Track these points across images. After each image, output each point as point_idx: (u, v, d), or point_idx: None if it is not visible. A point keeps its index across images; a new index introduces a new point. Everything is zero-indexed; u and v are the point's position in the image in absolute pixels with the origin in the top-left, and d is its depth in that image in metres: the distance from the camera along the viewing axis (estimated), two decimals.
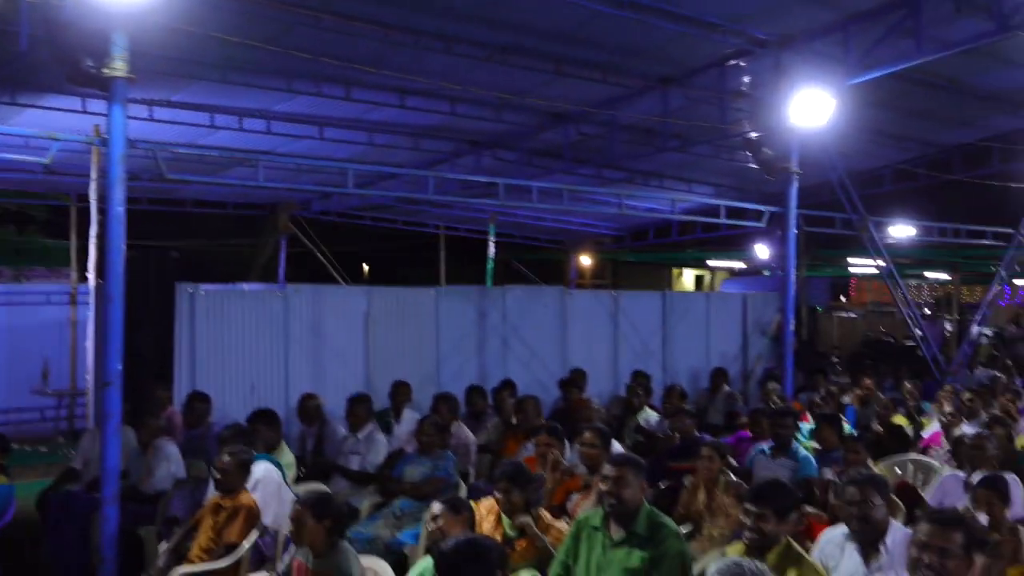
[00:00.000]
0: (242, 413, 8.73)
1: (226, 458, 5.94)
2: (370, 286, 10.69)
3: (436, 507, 4.76)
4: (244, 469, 6.03)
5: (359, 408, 8.22)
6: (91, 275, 8.57)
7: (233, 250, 19.53)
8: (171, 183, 11.61)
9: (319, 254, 14.71)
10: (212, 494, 6.21)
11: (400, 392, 9.27)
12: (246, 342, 9.28)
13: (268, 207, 16.13)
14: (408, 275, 21.33)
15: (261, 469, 6.48)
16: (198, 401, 8.35)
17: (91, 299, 8.98)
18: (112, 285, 6.53)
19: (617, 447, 7.06)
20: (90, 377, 8.70)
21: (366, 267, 26.96)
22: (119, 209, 6.56)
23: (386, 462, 7.84)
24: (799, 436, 8.89)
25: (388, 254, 25.29)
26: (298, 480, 7.65)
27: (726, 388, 12.13)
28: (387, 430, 8.73)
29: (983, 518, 5.28)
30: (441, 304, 10.86)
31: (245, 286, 12.07)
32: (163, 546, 6.13)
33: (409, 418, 9.01)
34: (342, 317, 9.99)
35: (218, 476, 5.96)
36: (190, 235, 19.05)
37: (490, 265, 16.05)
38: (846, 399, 11.23)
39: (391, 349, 10.37)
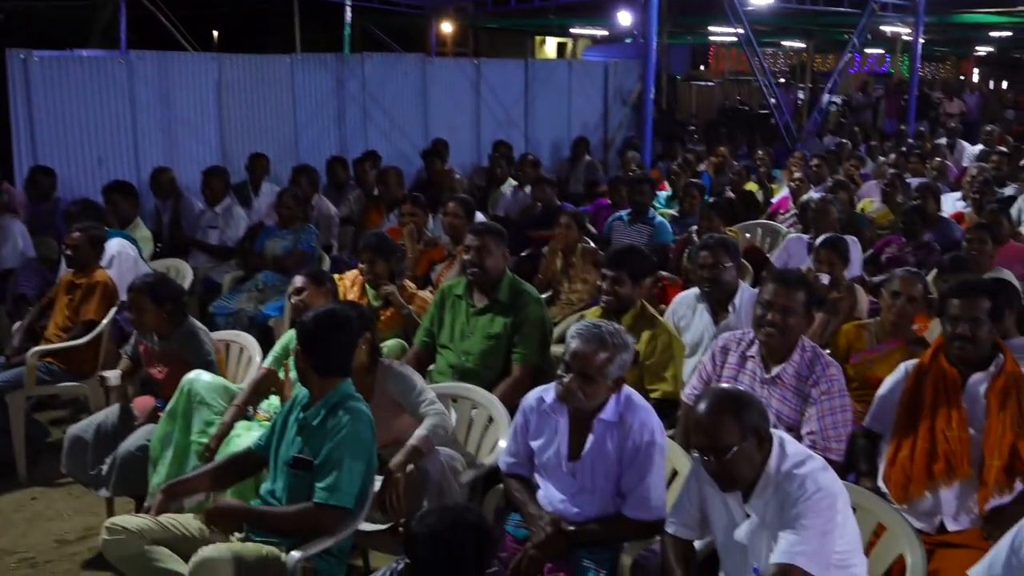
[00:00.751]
0: (89, 188, 8.41)
1: (76, 234, 5.71)
2: (221, 53, 10.10)
3: (299, 280, 4.73)
4: (95, 245, 5.84)
5: (215, 181, 7.99)
6: None
7: (67, 12, 18.09)
8: None
9: (163, 19, 13.77)
10: (64, 272, 6.02)
11: (257, 164, 9.01)
12: (89, 113, 8.75)
13: None
14: (261, 42, 20.32)
15: (115, 245, 6.31)
16: (41, 175, 7.92)
17: None
18: None
19: (480, 217, 7.12)
20: None
21: (216, 33, 25.53)
22: None
23: (246, 236, 7.72)
24: (656, 204, 9.14)
25: (239, 19, 23.93)
26: (155, 256, 7.50)
27: (587, 157, 12.25)
28: (245, 203, 8.54)
29: (825, 278, 5.59)
30: (297, 72, 10.43)
31: (84, 52, 11.26)
32: (16, 325, 5.97)
33: (268, 191, 8.82)
34: (192, 86, 9.49)
35: (69, 253, 5.75)
36: None
37: (347, 31, 15.42)
38: (702, 167, 11.53)
39: (246, 120, 9.99)
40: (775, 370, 3.90)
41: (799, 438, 3.70)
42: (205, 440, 4.16)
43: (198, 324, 4.92)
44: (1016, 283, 5.78)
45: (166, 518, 3.51)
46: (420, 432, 3.81)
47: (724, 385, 3.21)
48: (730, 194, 9.27)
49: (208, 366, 4.63)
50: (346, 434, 3.45)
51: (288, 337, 4.64)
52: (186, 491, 3.70)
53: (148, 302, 4.68)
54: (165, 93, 9.25)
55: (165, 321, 4.73)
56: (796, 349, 3.90)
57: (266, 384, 4.55)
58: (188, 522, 3.55)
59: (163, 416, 4.30)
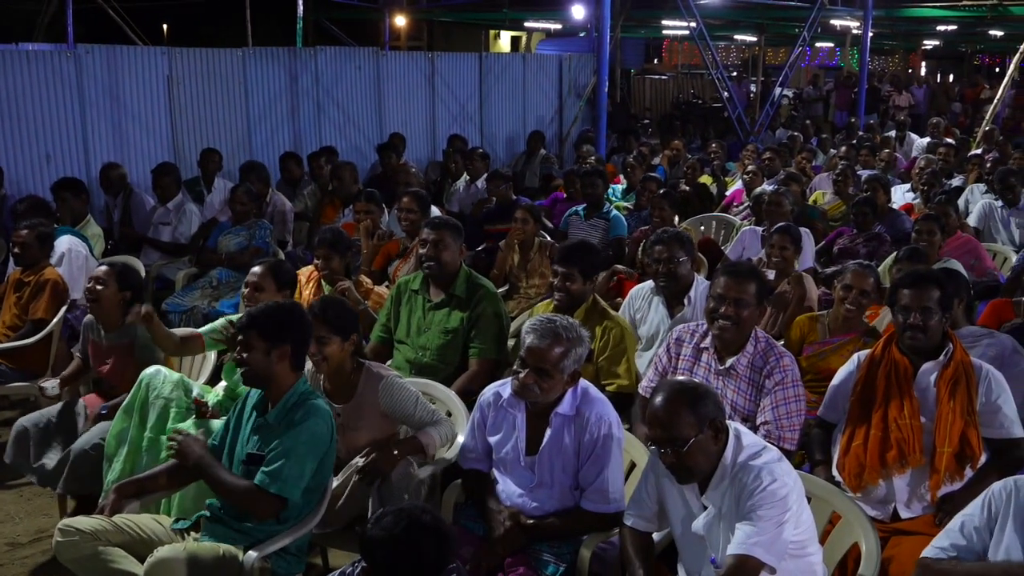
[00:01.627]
0: (37, 185, 8.28)
1: (23, 231, 5.62)
2: (171, 47, 9.96)
3: (257, 271, 4.66)
4: (44, 242, 5.75)
5: (167, 178, 7.88)
6: None
7: (11, 5, 17.73)
8: None
9: (111, 12, 13.55)
10: (12, 270, 5.91)
11: (209, 160, 8.90)
12: (36, 108, 8.59)
13: None
14: (212, 35, 20.07)
15: (65, 242, 6.22)
16: None
17: None
18: None
19: (435, 211, 7.10)
20: None
21: (165, 27, 25.19)
22: None
23: (199, 232, 7.64)
24: (612, 197, 9.19)
25: (189, 13, 23.63)
26: (106, 253, 7.40)
27: (542, 151, 12.27)
28: (198, 199, 8.45)
29: (771, 273, 5.65)
30: (249, 66, 10.32)
31: (30, 46, 11.05)
32: None
33: (221, 187, 8.73)
34: (142, 81, 9.35)
35: (16, 251, 5.65)
36: None
37: (299, 25, 15.29)
38: (656, 160, 11.60)
39: (198, 115, 9.87)
40: (729, 361, 3.94)
41: (754, 429, 3.75)
42: (160, 435, 4.11)
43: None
44: (964, 273, 5.90)
45: (120, 519, 3.46)
46: (431, 435, 3.84)
47: (680, 378, 3.22)
48: (684, 187, 9.33)
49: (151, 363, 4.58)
50: (301, 429, 3.42)
51: (224, 321, 4.61)
52: (139, 491, 3.64)
53: (113, 281, 4.62)
54: (114, 88, 9.11)
55: (118, 308, 4.66)
56: (750, 340, 3.94)
57: (191, 344, 4.58)
58: (143, 522, 3.51)
59: (119, 412, 4.23)
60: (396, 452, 3.70)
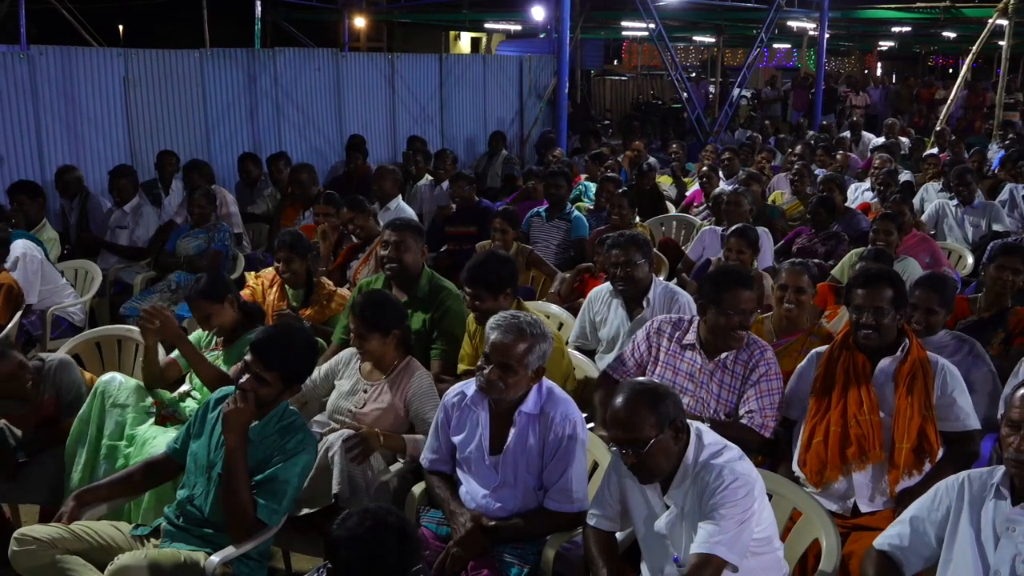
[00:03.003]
0: None
1: None
2: (127, 48, 9.84)
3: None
4: (0, 246, 5.66)
5: (124, 179, 7.79)
6: None
7: None
8: None
9: (65, 12, 13.36)
10: None
11: (167, 162, 8.81)
12: None
13: None
14: (168, 36, 19.85)
15: (20, 246, 6.13)
16: None
17: None
18: None
19: (407, 210, 7.07)
20: None
21: (121, 28, 24.88)
22: None
23: (157, 235, 7.56)
24: (587, 197, 9.23)
25: (145, 13, 23.35)
26: (63, 258, 7.30)
27: (504, 152, 12.28)
28: (155, 202, 8.36)
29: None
30: (207, 68, 10.22)
31: None
32: None
33: (178, 189, 8.64)
34: (98, 83, 9.22)
35: None
36: None
37: (258, 26, 15.18)
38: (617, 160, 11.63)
39: (155, 117, 9.75)
40: (718, 358, 4.02)
41: (737, 417, 3.90)
42: (118, 442, 4.07)
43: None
44: (921, 271, 5.99)
45: (79, 526, 3.41)
46: (418, 443, 3.90)
47: (640, 378, 3.24)
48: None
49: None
50: (297, 461, 3.43)
51: (199, 335, 4.58)
52: (98, 498, 3.60)
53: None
54: (69, 89, 8.98)
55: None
56: None
57: (169, 372, 4.54)
58: (102, 529, 3.47)
59: (76, 420, 4.18)
60: (382, 439, 3.84)
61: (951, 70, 36.27)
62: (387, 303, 4.15)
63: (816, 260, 6.37)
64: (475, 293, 4.44)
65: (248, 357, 3.48)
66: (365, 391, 4.09)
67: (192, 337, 4.59)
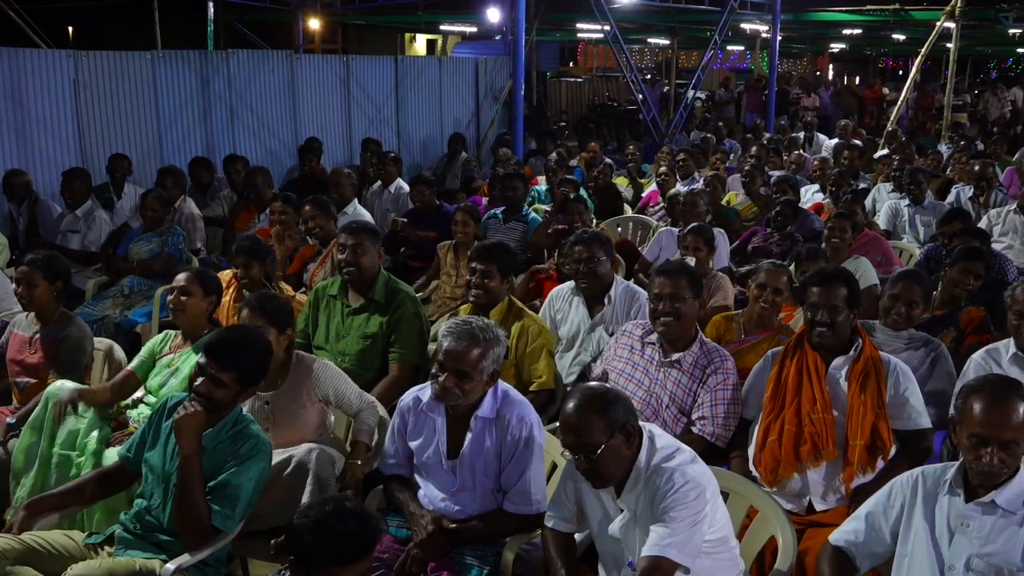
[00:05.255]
0: None
1: None
2: (77, 50, 9.69)
3: (183, 275, 4.57)
4: None
5: (75, 183, 7.66)
6: None
7: None
8: None
9: (12, 13, 13.15)
10: None
11: (119, 165, 8.69)
12: None
13: None
14: (118, 38, 19.59)
15: None
16: None
17: None
18: None
19: (364, 213, 7.03)
20: None
21: (71, 29, 24.52)
22: None
23: (110, 240, 7.45)
24: (538, 196, 9.25)
25: (94, 14, 23.03)
26: (12, 263, 7.17)
27: (464, 154, 12.27)
28: (107, 206, 8.24)
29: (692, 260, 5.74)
30: (159, 70, 10.09)
31: None
32: None
33: (131, 193, 8.53)
34: (47, 85, 9.07)
35: None
36: None
37: (210, 27, 15.03)
38: (573, 162, 11.67)
39: (106, 120, 9.61)
40: (675, 356, 4.08)
41: (690, 421, 3.97)
42: (70, 452, 4.01)
43: (81, 320, 4.86)
44: (873, 270, 6.07)
45: (30, 536, 3.35)
46: (364, 428, 4.00)
47: (591, 383, 3.26)
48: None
49: (70, 367, 4.55)
50: (251, 466, 3.39)
51: (154, 342, 4.52)
52: (49, 508, 3.53)
53: (40, 276, 4.60)
54: (17, 92, 8.82)
55: (53, 300, 4.69)
56: (696, 341, 4.12)
57: (129, 386, 4.44)
58: (54, 539, 3.40)
59: (25, 428, 4.11)
60: (360, 463, 3.90)
61: (901, 72, 36.87)
62: (280, 300, 4.17)
63: (770, 260, 6.42)
64: (487, 271, 4.64)
65: (201, 359, 3.40)
66: (268, 403, 3.94)
67: (150, 343, 4.53)
